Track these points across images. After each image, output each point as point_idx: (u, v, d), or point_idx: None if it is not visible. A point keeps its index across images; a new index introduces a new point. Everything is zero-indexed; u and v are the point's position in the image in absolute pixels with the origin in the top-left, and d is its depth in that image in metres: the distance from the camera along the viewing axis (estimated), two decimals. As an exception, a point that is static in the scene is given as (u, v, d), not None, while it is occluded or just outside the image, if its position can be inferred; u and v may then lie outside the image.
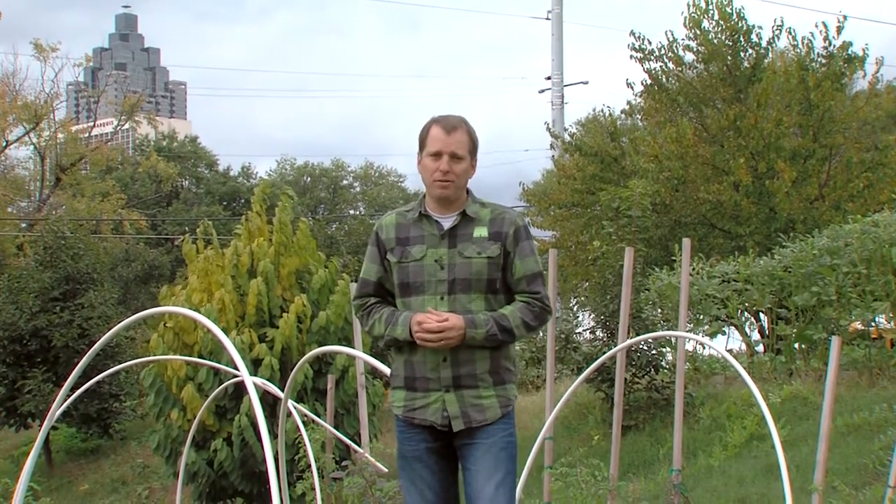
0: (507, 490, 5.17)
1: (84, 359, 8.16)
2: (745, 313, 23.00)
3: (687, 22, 30.22)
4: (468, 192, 5.36)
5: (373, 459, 9.68)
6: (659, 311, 21.52)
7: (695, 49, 30.37)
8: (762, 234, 27.97)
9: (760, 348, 23.51)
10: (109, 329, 8.14)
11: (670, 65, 30.73)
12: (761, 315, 23.25)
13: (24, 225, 47.28)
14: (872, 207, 26.02)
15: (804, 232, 23.92)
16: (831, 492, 12.52)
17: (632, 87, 31.99)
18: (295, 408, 12.48)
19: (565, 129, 40.81)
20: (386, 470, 6.69)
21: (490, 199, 5.43)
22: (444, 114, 5.42)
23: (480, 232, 5.24)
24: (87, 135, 52.49)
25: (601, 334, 21.20)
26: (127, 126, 52.43)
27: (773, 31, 30.10)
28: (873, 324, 19.57)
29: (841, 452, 15.47)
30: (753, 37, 29.97)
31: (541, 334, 24.42)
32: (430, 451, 5.33)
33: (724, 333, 24.11)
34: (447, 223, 5.26)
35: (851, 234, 19.37)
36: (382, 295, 5.40)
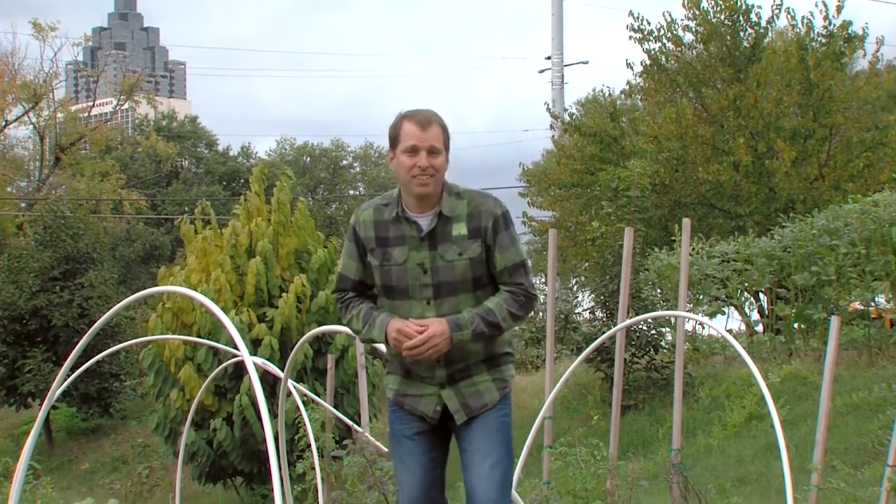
0: (502, 470, 5.14)
1: (84, 338, 8.17)
2: (745, 293, 23.02)
3: (686, 2, 30.15)
4: (444, 183, 5.20)
5: (373, 439, 9.70)
6: (658, 291, 21.55)
7: (694, 29, 30.31)
8: (762, 214, 27.96)
9: (760, 328, 23.55)
10: (109, 309, 8.14)
11: (669, 45, 30.67)
12: (761, 295, 23.27)
13: (23, 205, 47.22)
14: (872, 187, 26.01)
15: (804, 212, 23.90)
16: (830, 471, 12.54)
17: (631, 68, 31.96)
18: (295, 387, 12.49)
19: (565, 110, 40.72)
20: (386, 449, 6.70)
21: (466, 185, 5.27)
22: (412, 108, 5.22)
23: (460, 230, 5.10)
24: (86, 114, 52.31)
25: (600, 314, 21.23)
26: (126, 106, 52.24)
27: (772, 11, 30.04)
28: (873, 304, 19.58)
29: (840, 432, 15.49)
30: (753, 16, 29.91)
31: (540, 314, 24.45)
32: (422, 433, 5.31)
33: (723, 313, 24.13)
34: (425, 223, 5.11)
35: (851, 213, 19.37)
36: (361, 290, 5.31)
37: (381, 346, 5.39)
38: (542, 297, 25.08)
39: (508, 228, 5.20)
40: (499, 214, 5.15)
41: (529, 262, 5.37)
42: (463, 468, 5.22)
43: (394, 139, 5.12)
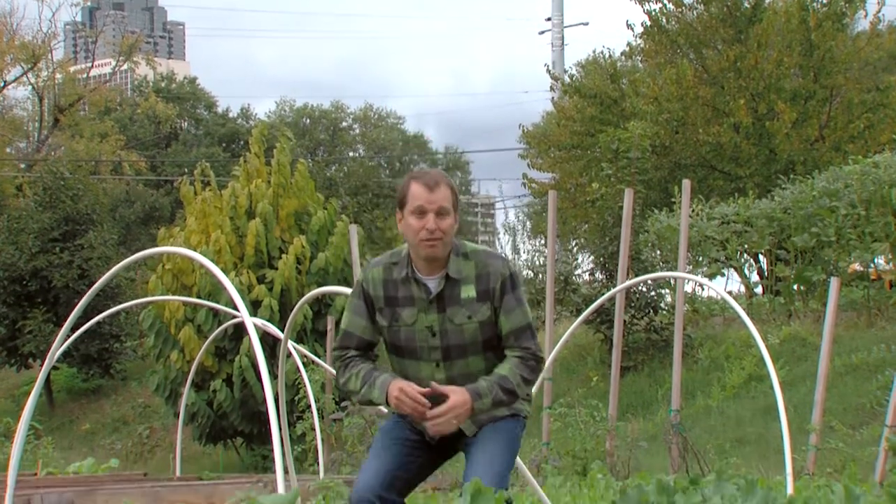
0: (502, 462, 5.00)
1: (84, 299, 8.16)
2: (745, 255, 23.01)
3: (687, -38, 30.01)
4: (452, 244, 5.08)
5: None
6: (658, 252, 21.53)
7: (695, -11, 30.18)
8: (762, 176, 27.91)
9: (759, 290, 23.55)
10: (109, 270, 8.14)
11: (670, 6, 30.51)
12: (760, 257, 23.26)
13: (23, 166, 47.13)
14: (873, 148, 25.95)
15: (804, 173, 23.86)
16: (829, 431, 12.59)
17: (632, 29, 31.79)
18: (295, 349, 12.51)
19: (565, 71, 40.61)
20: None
21: (474, 245, 5.16)
22: (422, 170, 5.17)
23: (468, 292, 5.00)
24: (85, 75, 52.10)
25: (600, 276, 21.23)
26: (125, 67, 52.02)
27: (773, -29, 29.89)
28: (872, 265, 19.58)
29: (839, 393, 15.54)
30: (754, -23, 29.76)
31: (540, 276, 24.44)
32: (413, 441, 5.21)
33: (723, 275, 24.11)
34: (433, 285, 5.02)
35: (851, 175, 19.34)
36: (364, 349, 5.22)
37: (382, 408, 5.27)
38: (541, 259, 25.10)
39: (516, 290, 5.08)
40: (507, 276, 5.03)
41: (535, 325, 5.28)
42: (466, 461, 5.14)
43: (401, 200, 5.01)
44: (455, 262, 5.03)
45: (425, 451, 5.17)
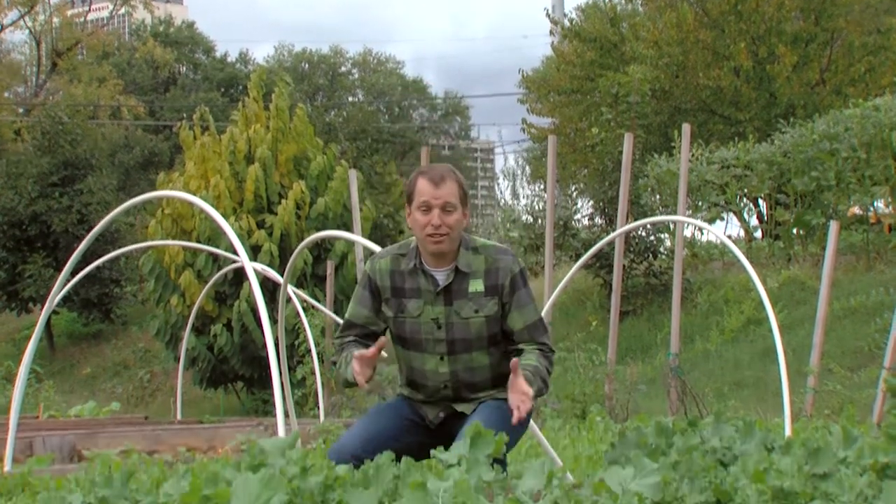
0: (495, 427, 4.88)
1: (83, 243, 8.18)
2: (744, 199, 23.01)
3: None
4: (461, 238, 5.07)
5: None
6: (657, 197, 21.55)
7: (696, -69, 29.98)
8: (762, 120, 27.86)
9: (759, 234, 23.58)
10: (108, 215, 8.15)
11: (671, -53, 30.36)
12: (760, 201, 23.27)
13: (21, 110, 46.99)
14: (874, 91, 25.89)
15: (804, 117, 23.83)
16: (827, 374, 12.64)
17: (632, -28, 31.67)
18: (294, 293, 12.54)
19: (565, 15, 40.37)
20: (386, 355, 6.75)
21: (484, 240, 5.14)
22: (430, 165, 5.12)
23: (476, 286, 4.98)
24: (82, 19, 51.83)
25: (600, 221, 21.25)
26: (123, 11, 51.73)
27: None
28: (872, 208, 19.59)
29: (837, 336, 15.60)
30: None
31: (539, 221, 24.45)
32: (412, 420, 5.19)
33: (722, 219, 24.13)
34: (441, 278, 5.00)
35: (852, 118, 19.30)
36: (364, 337, 5.19)
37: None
38: (541, 204, 25.08)
39: (526, 286, 5.07)
40: (516, 272, 5.01)
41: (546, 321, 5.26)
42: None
43: (409, 195, 4.99)
44: (465, 255, 5.02)
45: (423, 432, 5.14)
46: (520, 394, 4.64)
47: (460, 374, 5.05)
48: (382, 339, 4.92)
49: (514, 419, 4.66)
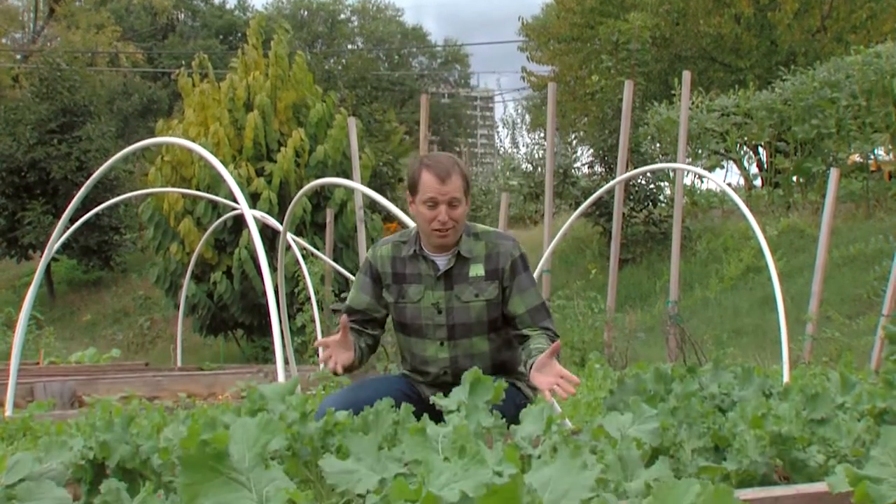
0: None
1: (82, 189, 8.18)
2: (744, 147, 22.98)
3: None
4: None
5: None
6: (657, 145, 21.51)
7: None
8: (763, 68, 27.77)
9: (758, 182, 23.56)
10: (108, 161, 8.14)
11: None
12: (760, 149, 23.24)
13: (18, 56, 46.81)
14: (875, 38, 25.79)
15: (805, 64, 23.73)
16: (825, 321, 12.68)
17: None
18: (294, 241, 12.54)
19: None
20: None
21: (485, 227, 5.14)
22: (433, 154, 5.10)
23: (476, 271, 4.98)
24: (80, -35, 51.60)
25: (599, 169, 21.22)
26: (121, -44, 51.54)
27: None
28: (872, 156, 19.56)
29: (836, 283, 15.62)
30: None
31: (539, 169, 24.42)
32: (410, 395, 5.19)
33: (722, 167, 24.12)
34: (442, 262, 5.01)
35: (853, 65, 19.24)
36: (364, 322, 5.18)
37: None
38: (540, 153, 25.04)
39: (527, 270, 5.07)
40: (517, 256, 5.01)
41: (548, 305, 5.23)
42: None
43: (413, 186, 4.95)
44: (466, 241, 5.01)
45: (419, 408, 5.15)
46: (556, 377, 4.48)
47: (460, 360, 5.04)
48: (344, 317, 4.86)
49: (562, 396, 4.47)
